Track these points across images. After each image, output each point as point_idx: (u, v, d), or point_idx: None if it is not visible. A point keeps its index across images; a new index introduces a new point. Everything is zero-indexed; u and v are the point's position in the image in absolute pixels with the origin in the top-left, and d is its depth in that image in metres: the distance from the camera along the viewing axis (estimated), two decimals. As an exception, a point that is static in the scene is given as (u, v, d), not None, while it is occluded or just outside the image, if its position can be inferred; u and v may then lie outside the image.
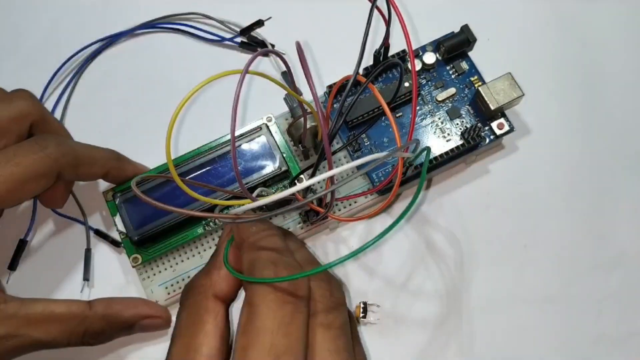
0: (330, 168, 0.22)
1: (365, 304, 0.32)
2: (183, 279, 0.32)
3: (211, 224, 0.32)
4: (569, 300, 0.33)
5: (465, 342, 0.32)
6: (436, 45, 0.34)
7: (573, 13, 0.39)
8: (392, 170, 0.31)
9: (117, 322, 0.29)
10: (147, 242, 0.32)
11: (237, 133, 0.32)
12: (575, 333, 0.32)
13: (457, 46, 0.34)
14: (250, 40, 0.38)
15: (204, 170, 0.32)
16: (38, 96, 0.37)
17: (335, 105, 0.32)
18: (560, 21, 0.39)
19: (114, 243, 0.34)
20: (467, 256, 0.34)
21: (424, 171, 0.24)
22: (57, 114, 0.37)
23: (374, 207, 0.34)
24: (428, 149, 0.26)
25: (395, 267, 0.34)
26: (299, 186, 0.21)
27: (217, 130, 0.33)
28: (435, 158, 0.32)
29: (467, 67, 0.34)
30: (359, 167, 0.32)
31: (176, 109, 0.22)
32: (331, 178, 0.22)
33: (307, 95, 0.34)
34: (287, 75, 0.27)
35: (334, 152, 0.32)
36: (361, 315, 0.32)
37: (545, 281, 0.33)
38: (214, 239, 0.32)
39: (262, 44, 0.38)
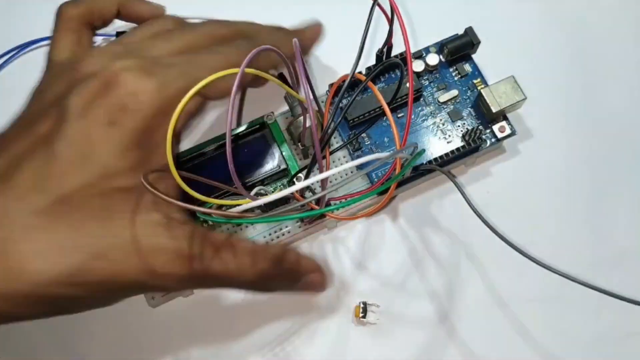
0: (321, 168, 0.22)
1: (365, 304, 0.32)
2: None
3: (209, 221, 0.32)
4: (569, 300, 0.33)
5: (464, 341, 0.32)
6: (440, 47, 0.34)
7: (578, 18, 0.39)
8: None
9: (291, 268, 0.28)
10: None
11: (237, 130, 0.32)
12: (575, 332, 0.32)
13: (460, 48, 0.33)
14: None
15: (203, 166, 0.32)
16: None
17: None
18: (566, 26, 0.38)
19: None
20: (466, 256, 0.34)
21: (410, 163, 0.25)
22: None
23: (372, 206, 0.34)
24: (422, 151, 0.27)
25: (395, 267, 0.33)
26: (296, 186, 0.21)
27: (217, 128, 0.33)
28: (435, 159, 0.32)
29: (470, 70, 0.34)
30: (358, 168, 0.32)
31: (178, 108, 0.22)
32: (326, 179, 0.22)
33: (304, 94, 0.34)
34: (287, 74, 0.27)
35: (333, 152, 0.32)
36: (361, 315, 0.32)
37: (545, 281, 0.33)
38: (211, 236, 0.32)
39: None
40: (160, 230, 0.24)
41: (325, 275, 0.29)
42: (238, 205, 0.23)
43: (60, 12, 0.28)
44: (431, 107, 0.34)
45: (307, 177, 0.29)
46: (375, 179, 0.33)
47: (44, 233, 0.22)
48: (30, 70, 0.38)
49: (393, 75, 0.34)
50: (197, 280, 0.25)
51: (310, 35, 0.31)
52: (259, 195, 0.30)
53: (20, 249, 0.21)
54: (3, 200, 0.21)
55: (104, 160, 0.22)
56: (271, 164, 0.32)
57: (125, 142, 0.23)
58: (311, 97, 0.22)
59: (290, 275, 0.28)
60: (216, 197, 0.30)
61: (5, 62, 0.38)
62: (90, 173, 0.22)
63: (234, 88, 0.21)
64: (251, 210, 0.23)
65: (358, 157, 0.33)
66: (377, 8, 0.28)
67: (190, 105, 0.25)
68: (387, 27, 0.29)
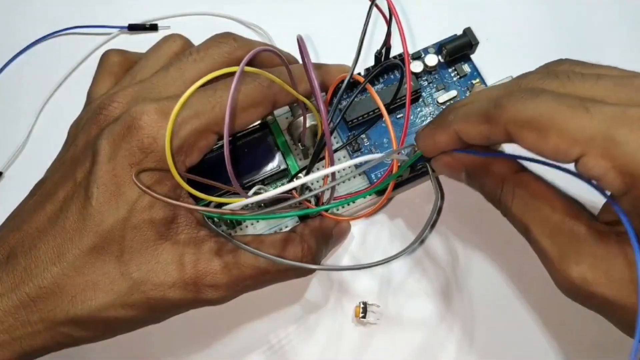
0: (331, 164, 0.22)
1: (365, 304, 0.32)
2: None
3: (214, 218, 0.32)
4: (569, 300, 0.33)
5: (464, 341, 0.32)
6: (438, 48, 0.34)
7: (578, 18, 0.39)
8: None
9: (321, 235, 0.31)
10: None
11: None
12: (576, 332, 0.32)
13: (459, 49, 0.34)
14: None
15: (203, 166, 0.32)
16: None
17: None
18: (566, 27, 0.39)
19: None
20: (466, 256, 0.34)
21: (407, 164, 0.25)
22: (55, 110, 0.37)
23: (371, 207, 0.34)
24: (419, 153, 0.27)
25: (394, 267, 0.34)
26: (293, 183, 0.21)
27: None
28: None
29: (469, 70, 0.34)
30: (356, 167, 0.32)
31: (177, 107, 0.22)
32: (328, 176, 0.22)
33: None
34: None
35: (333, 152, 0.32)
36: (361, 315, 0.32)
37: (545, 281, 0.33)
38: (212, 236, 0.32)
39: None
40: (192, 248, 0.26)
41: (342, 221, 0.33)
42: (234, 202, 0.23)
43: (105, 56, 0.30)
44: (430, 108, 0.34)
45: (307, 174, 0.29)
46: (375, 180, 0.33)
47: (93, 267, 0.25)
48: (30, 70, 0.39)
49: (392, 76, 0.34)
50: (242, 284, 0.27)
51: (334, 72, 0.32)
52: (257, 194, 0.30)
53: (74, 283, 0.25)
54: (57, 242, 0.25)
55: (131, 198, 0.25)
56: (271, 164, 0.32)
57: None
58: (318, 92, 0.22)
59: (323, 243, 0.31)
60: (218, 197, 0.31)
61: (6, 62, 0.39)
62: (122, 210, 0.25)
63: (232, 87, 0.21)
64: (249, 208, 0.23)
65: (357, 157, 0.33)
66: (375, 9, 0.28)
67: (209, 141, 0.27)
68: (386, 28, 0.29)
